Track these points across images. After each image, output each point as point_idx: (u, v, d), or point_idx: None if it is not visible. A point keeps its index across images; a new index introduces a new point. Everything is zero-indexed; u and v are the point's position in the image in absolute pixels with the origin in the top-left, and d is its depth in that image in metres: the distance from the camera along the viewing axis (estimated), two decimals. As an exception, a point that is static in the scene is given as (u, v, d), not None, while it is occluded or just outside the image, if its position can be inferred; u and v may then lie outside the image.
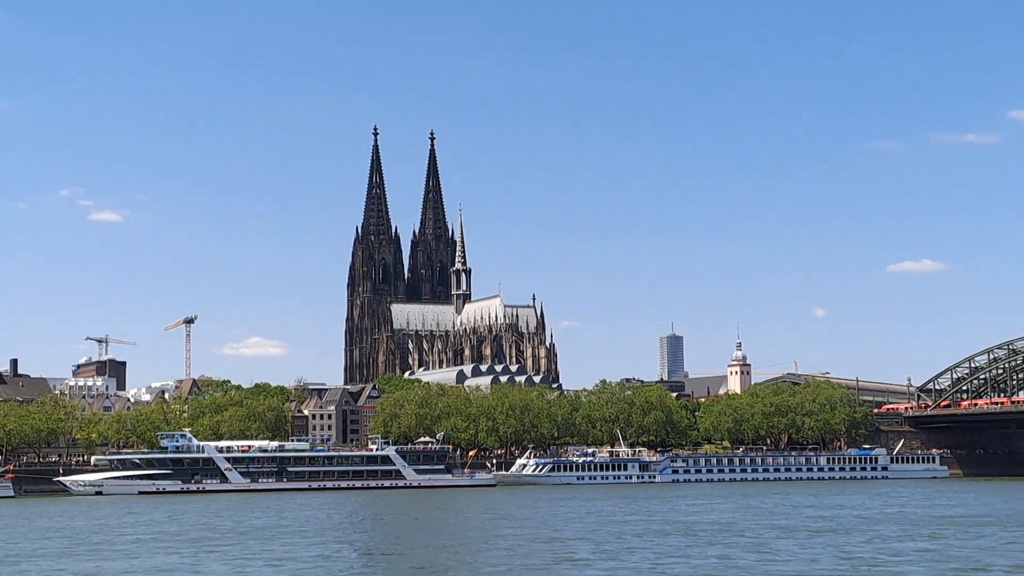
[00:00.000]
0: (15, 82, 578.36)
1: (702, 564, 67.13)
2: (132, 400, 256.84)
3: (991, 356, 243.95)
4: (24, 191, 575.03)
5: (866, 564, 66.37)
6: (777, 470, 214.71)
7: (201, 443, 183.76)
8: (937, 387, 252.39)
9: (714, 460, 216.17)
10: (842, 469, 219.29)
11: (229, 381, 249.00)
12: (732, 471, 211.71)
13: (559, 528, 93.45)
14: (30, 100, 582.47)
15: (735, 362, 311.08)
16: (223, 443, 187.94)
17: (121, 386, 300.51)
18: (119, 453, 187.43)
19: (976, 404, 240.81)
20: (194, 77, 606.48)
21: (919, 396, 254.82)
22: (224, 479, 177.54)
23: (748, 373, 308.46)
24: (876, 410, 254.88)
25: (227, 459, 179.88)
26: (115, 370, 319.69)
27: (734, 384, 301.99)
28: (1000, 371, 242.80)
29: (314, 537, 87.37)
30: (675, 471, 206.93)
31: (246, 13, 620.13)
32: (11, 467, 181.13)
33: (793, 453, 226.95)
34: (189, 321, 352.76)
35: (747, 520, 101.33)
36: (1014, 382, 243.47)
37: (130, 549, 79.79)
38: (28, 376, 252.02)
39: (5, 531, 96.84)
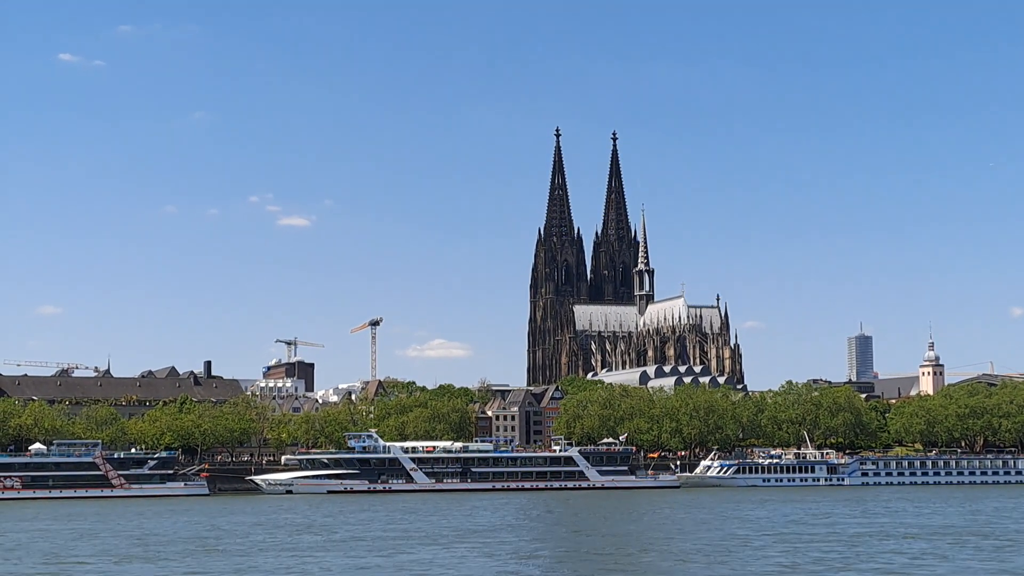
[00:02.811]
0: (206, 93, 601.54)
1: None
2: (320, 401, 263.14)
3: None
4: (216, 198, 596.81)
5: None
6: (972, 473, 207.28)
7: (387, 444, 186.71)
8: None
9: (905, 463, 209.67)
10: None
11: (414, 382, 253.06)
12: (924, 474, 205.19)
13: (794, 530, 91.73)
14: (221, 110, 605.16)
15: (927, 362, 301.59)
16: (408, 444, 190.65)
17: (309, 387, 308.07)
18: (308, 453, 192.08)
19: None
20: (378, 85, 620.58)
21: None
22: (409, 479, 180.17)
23: (941, 374, 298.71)
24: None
25: (412, 459, 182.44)
26: (303, 372, 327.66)
27: (926, 385, 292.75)
28: None
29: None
30: (864, 474, 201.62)
31: (429, 19, 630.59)
32: (206, 466, 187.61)
33: (989, 456, 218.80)
34: (375, 323, 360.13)
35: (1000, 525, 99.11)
36: None
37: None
38: (221, 378, 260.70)
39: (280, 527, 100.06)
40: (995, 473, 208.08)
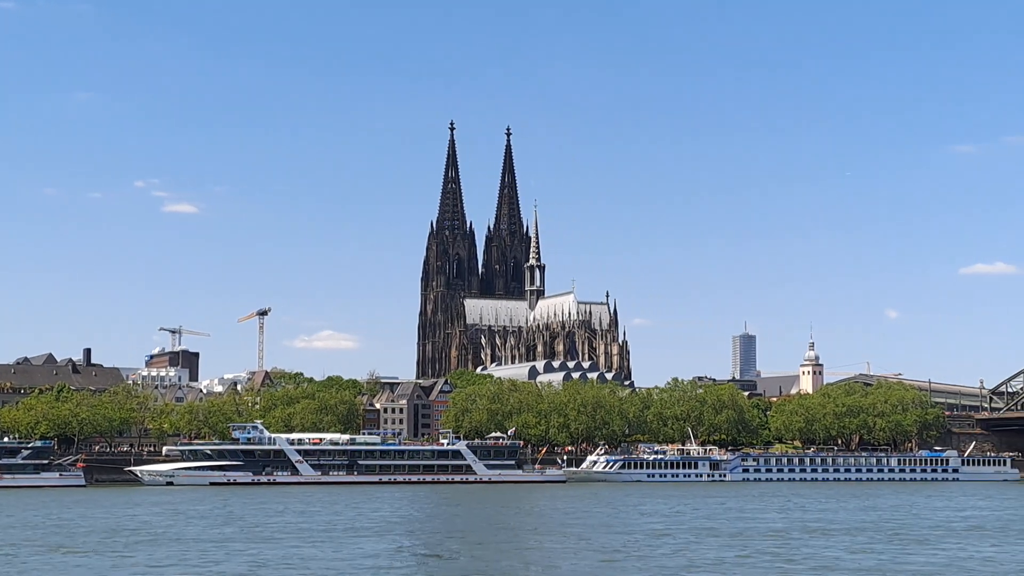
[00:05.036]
0: (92, 74, 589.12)
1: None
2: (204, 391, 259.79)
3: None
4: (99, 182, 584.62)
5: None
6: (848, 470, 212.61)
7: (273, 435, 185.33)
8: (1009, 390, 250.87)
9: (785, 460, 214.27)
10: (912, 471, 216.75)
11: (301, 374, 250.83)
12: (803, 471, 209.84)
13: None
14: (107, 92, 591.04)
15: (808, 362, 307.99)
16: (294, 435, 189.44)
17: (194, 377, 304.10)
18: (191, 444, 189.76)
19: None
20: (271, 70, 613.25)
21: (991, 399, 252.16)
22: (295, 471, 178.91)
23: (820, 373, 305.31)
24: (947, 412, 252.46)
25: (298, 451, 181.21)
26: (188, 361, 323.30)
27: (806, 384, 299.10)
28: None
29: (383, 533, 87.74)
30: (746, 470, 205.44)
31: (325, 8, 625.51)
32: (83, 456, 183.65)
33: (864, 454, 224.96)
34: (263, 313, 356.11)
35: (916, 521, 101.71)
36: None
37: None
38: (101, 366, 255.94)
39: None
40: (869, 470, 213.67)
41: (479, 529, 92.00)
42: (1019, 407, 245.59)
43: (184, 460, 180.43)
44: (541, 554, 73.33)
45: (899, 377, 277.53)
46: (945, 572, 64.91)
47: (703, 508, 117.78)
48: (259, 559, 69.36)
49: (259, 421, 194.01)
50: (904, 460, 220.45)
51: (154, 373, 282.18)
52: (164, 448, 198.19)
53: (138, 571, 64.54)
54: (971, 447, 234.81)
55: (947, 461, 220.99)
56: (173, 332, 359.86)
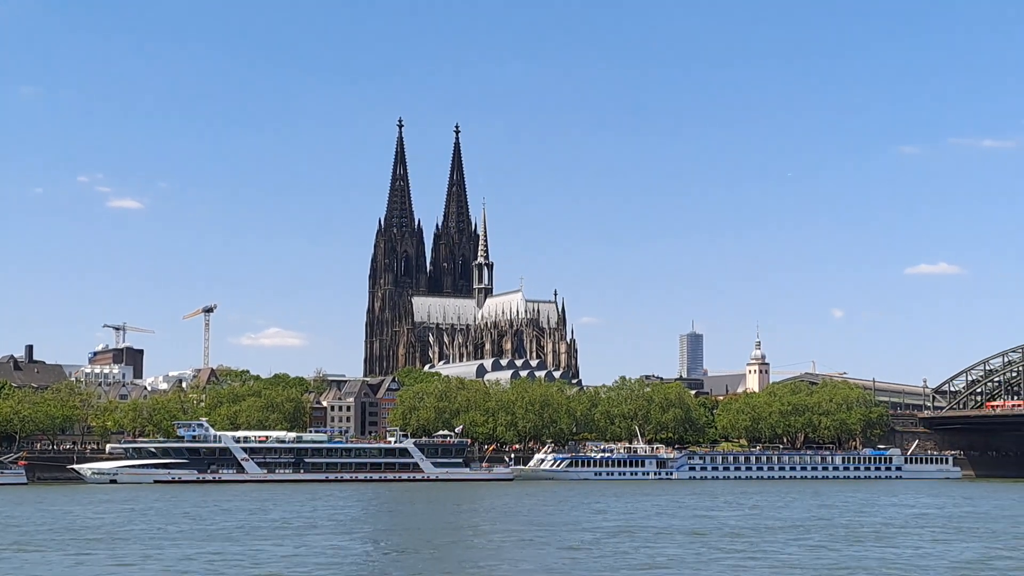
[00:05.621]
0: (34, 68, 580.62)
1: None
2: (149, 389, 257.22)
3: (1006, 359, 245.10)
4: (42, 177, 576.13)
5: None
6: (793, 468, 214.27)
7: (218, 433, 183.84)
8: (952, 389, 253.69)
9: (731, 458, 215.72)
10: (856, 468, 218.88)
11: (248, 371, 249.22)
12: (749, 469, 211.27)
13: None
14: (49, 86, 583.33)
15: (754, 361, 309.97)
16: (240, 433, 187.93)
17: (138, 374, 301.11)
18: (135, 442, 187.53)
19: (992, 407, 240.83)
20: (218, 65, 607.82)
21: (934, 398, 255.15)
22: (241, 469, 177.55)
23: (767, 372, 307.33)
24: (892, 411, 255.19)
25: (244, 449, 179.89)
26: (132, 358, 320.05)
27: (752, 383, 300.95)
28: (1014, 374, 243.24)
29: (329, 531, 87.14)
30: (692, 468, 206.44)
31: (272, 2, 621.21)
32: (24, 454, 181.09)
33: (809, 452, 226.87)
34: (208, 310, 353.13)
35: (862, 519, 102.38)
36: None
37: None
38: (43, 363, 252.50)
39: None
40: (814, 468, 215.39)
41: (432, 528, 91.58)
42: (961, 406, 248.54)
43: (128, 458, 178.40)
44: (503, 552, 72.97)
45: (844, 376, 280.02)
46: (902, 568, 65.37)
47: (657, 506, 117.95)
48: (224, 555, 68.97)
49: (204, 419, 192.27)
50: (848, 458, 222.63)
51: (98, 370, 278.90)
52: (108, 446, 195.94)
53: (105, 570, 63.54)
54: (914, 446, 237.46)
55: (890, 460, 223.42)
56: (117, 329, 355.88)
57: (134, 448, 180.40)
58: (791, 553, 72.57)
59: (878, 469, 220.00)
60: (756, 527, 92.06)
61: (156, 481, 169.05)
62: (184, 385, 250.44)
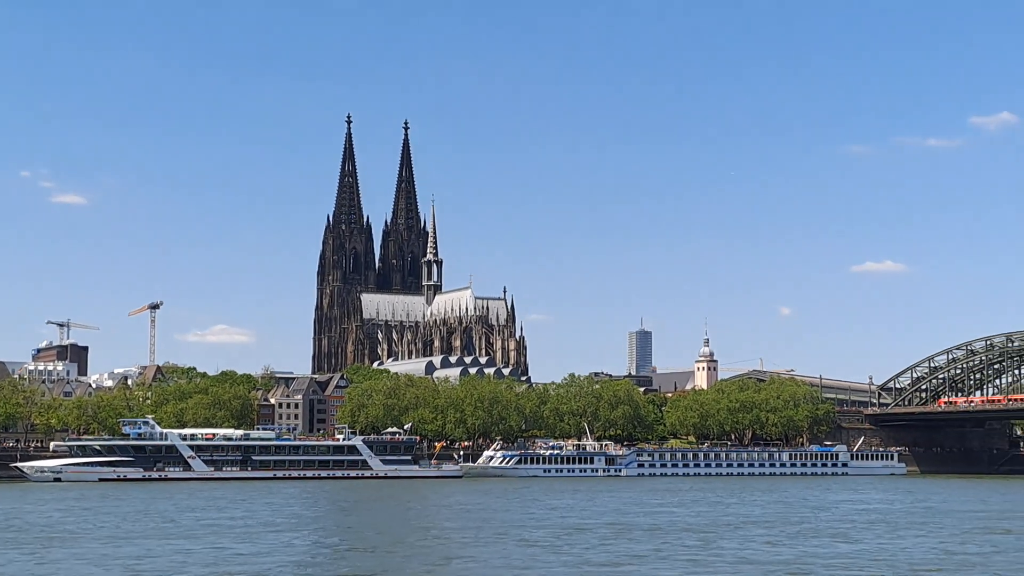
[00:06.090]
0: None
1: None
2: (94, 386, 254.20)
3: (950, 356, 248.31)
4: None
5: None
6: (740, 465, 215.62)
7: (164, 430, 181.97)
8: (897, 386, 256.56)
9: (679, 455, 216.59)
10: (803, 465, 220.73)
11: (194, 368, 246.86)
12: (697, 466, 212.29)
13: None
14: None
15: (702, 358, 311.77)
16: (187, 431, 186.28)
17: (83, 371, 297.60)
18: (79, 439, 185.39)
19: (936, 404, 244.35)
20: (164, 61, 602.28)
21: (880, 394, 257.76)
22: (187, 467, 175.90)
23: (715, 369, 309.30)
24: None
25: (190, 447, 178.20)
26: (77, 355, 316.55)
27: (701, 380, 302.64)
28: (958, 371, 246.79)
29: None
30: (641, 465, 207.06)
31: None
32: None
33: (756, 449, 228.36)
34: (154, 307, 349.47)
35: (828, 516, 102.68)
36: (971, 382, 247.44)
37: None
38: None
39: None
40: (761, 465, 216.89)
41: (385, 525, 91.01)
42: (906, 403, 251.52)
43: (72, 456, 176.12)
44: (464, 549, 72.54)
45: (791, 373, 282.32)
46: (858, 562, 65.77)
47: (610, 503, 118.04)
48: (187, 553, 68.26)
49: (150, 416, 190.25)
50: (795, 455, 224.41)
51: (41, 367, 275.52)
52: (52, 444, 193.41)
53: (67, 569, 62.49)
54: (860, 442, 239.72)
55: (837, 456, 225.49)
56: (61, 325, 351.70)
57: (79, 446, 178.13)
58: (752, 548, 72.80)
59: (824, 465, 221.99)
60: (713, 523, 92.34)
61: (101, 479, 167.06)
62: (130, 382, 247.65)
